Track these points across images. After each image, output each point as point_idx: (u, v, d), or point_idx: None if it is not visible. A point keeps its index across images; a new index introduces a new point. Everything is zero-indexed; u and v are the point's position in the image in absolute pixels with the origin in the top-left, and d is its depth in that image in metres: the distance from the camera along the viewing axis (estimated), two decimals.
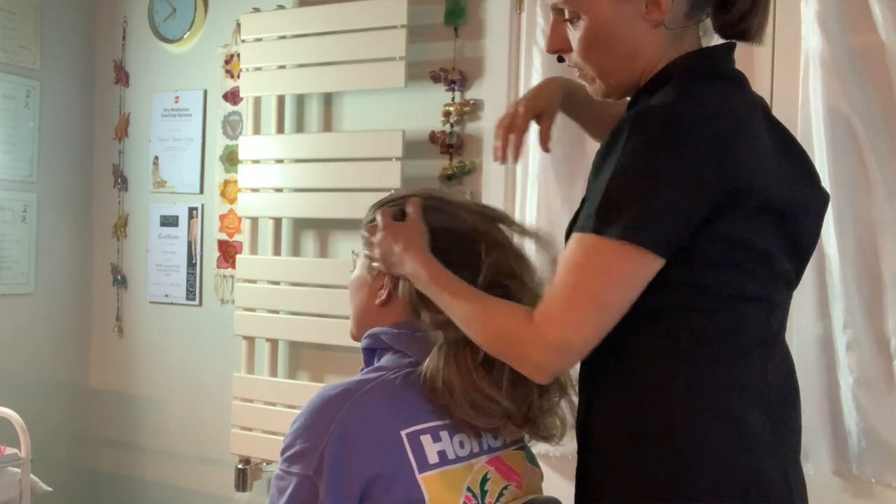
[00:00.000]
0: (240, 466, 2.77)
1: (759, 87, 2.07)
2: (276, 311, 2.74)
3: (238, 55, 2.87)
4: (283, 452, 1.07)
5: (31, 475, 2.53)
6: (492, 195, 2.43)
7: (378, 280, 1.21)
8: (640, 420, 1.06)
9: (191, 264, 3.04)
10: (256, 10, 2.80)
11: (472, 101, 2.52)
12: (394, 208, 1.22)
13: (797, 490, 1.09)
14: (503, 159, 1.34)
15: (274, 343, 2.78)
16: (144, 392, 3.14)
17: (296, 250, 2.82)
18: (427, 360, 1.10)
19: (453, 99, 2.53)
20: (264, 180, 2.77)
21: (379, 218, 1.21)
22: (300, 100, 2.82)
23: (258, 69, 2.78)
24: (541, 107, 1.36)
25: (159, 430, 3.11)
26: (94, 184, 3.26)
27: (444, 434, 1.09)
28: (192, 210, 3.04)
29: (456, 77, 2.52)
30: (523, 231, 1.25)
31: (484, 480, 1.11)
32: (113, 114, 3.22)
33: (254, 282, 2.78)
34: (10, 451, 2.51)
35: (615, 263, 0.99)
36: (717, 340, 1.05)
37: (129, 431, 3.17)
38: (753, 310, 1.07)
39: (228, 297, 2.94)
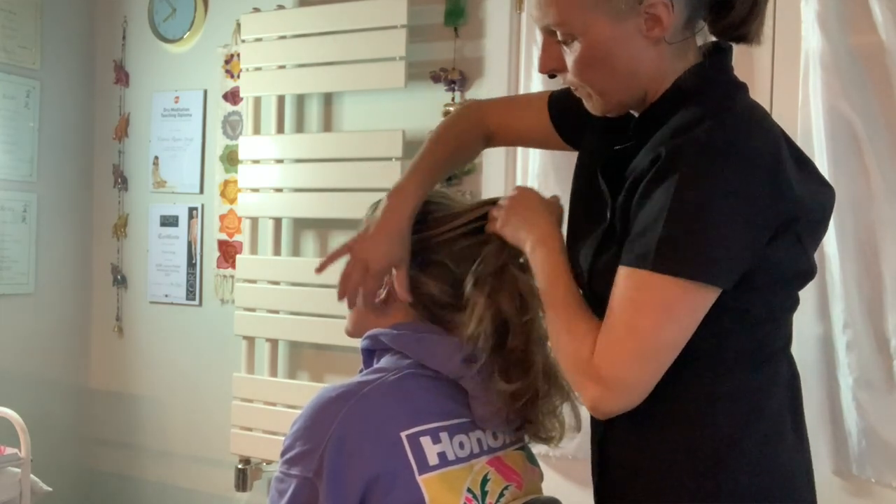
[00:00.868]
0: (240, 466, 2.77)
1: (759, 87, 2.07)
2: (276, 311, 2.74)
3: (238, 55, 2.87)
4: (282, 454, 1.07)
5: (31, 475, 2.53)
6: (491, 195, 2.42)
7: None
8: (680, 429, 1.06)
9: (191, 264, 3.04)
10: (256, 10, 2.80)
11: None
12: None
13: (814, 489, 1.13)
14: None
15: (274, 343, 2.78)
16: (144, 392, 3.14)
17: (296, 250, 2.82)
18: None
19: (453, 99, 2.53)
20: (264, 180, 2.77)
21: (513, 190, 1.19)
22: (300, 100, 2.82)
23: (258, 69, 2.78)
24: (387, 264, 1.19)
25: (159, 430, 3.11)
26: (94, 184, 3.26)
27: (443, 435, 1.09)
28: (192, 210, 3.04)
29: (456, 77, 2.52)
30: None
31: (484, 481, 1.11)
32: (113, 114, 3.22)
33: (254, 282, 2.78)
34: (10, 451, 2.51)
35: (679, 301, 0.97)
36: (756, 349, 1.06)
37: (129, 431, 3.17)
38: (784, 317, 1.10)
39: (228, 298, 2.94)
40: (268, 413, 2.71)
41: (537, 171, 2.34)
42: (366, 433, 1.04)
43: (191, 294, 3.04)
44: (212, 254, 3.00)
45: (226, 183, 2.96)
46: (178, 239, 3.07)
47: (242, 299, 2.79)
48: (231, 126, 2.96)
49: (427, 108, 2.56)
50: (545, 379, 1.13)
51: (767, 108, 1.29)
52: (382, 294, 1.20)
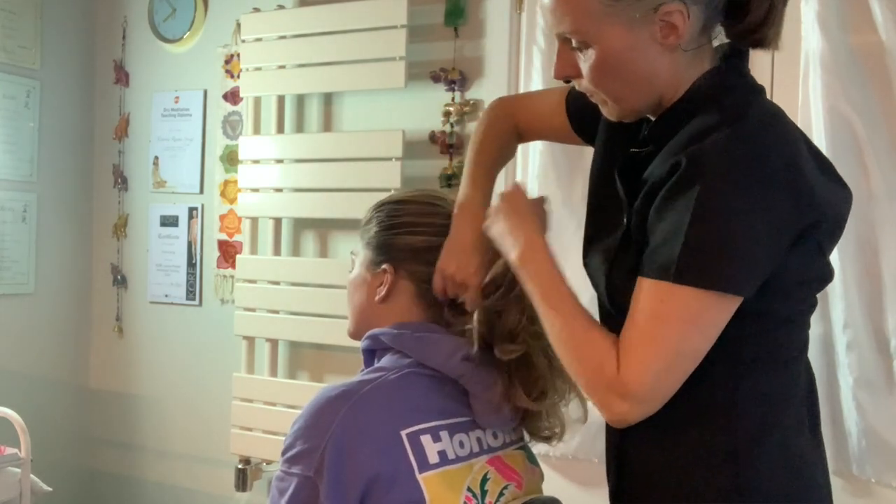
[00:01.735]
0: (240, 466, 2.77)
1: None
2: (276, 311, 2.74)
3: (238, 55, 2.87)
4: (283, 453, 1.07)
5: (31, 475, 2.53)
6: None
7: (377, 277, 1.21)
8: (700, 432, 1.06)
9: (191, 264, 3.04)
10: (256, 10, 2.80)
11: (472, 101, 2.51)
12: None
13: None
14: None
15: (274, 343, 2.78)
16: (144, 392, 3.14)
17: (296, 250, 2.82)
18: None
19: (453, 99, 2.53)
20: (264, 180, 2.77)
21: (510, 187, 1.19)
22: (300, 100, 2.82)
23: (258, 69, 2.78)
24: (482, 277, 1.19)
25: (159, 430, 3.11)
26: (94, 184, 3.26)
27: (443, 434, 1.09)
28: (192, 210, 3.04)
29: (456, 77, 2.52)
30: None
31: (484, 480, 1.11)
32: (113, 114, 3.22)
33: (254, 282, 2.78)
34: (10, 451, 2.51)
35: (702, 312, 0.98)
36: (775, 354, 1.07)
37: (129, 431, 3.17)
38: (803, 320, 1.10)
39: (228, 297, 2.94)
40: (268, 413, 2.71)
41: (537, 171, 2.34)
42: (366, 432, 1.04)
43: (191, 294, 3.04)
44: (212, 254, 3.00)
45: (226, 183, 2.96)
46: (178, 239, 3.07)
47: (242, 299, 2.79)
48: (231, 126, 2.96)
49: (427, 108, 2.56)
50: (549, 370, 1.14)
51: None
52: (382, 291, 1.20)
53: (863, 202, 1.98)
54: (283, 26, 2.73)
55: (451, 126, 2.53)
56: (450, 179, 2.52)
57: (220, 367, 2.92)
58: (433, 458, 1.06)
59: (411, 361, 1.13)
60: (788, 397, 1.08)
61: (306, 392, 2.56)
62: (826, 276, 1.08)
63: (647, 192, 1.03)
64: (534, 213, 1.16)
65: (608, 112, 1.12)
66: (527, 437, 1.23)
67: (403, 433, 1.06)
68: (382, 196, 1.29)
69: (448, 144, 2.53)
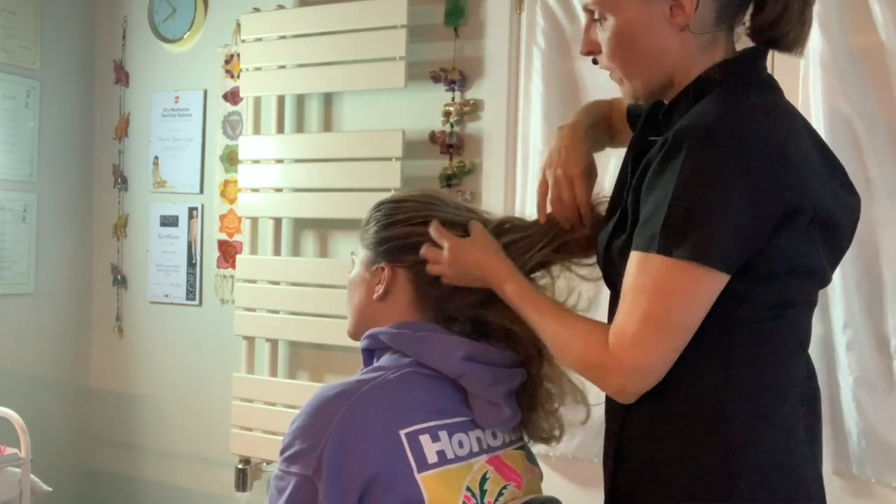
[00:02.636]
0: (240, 466, 2.77)
1: None
2: (276, 311, 2.74)
3: (238, 55, 2.87)
4: (282, 452, 1.07)
5: (31, 475, 2.53)
6: (492, 195, 2.43)
7: (376, 275, 1.21)
8: (692, 425, 1.06)
9: (191, 264, 3.04)
10: (256, 10, 2.80)
11: (472, 102, 2.51)
12: (446, 226, 1.21)
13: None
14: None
15: (274, 343, 2.78)
16: (144, 392, 3.14)
17: (296, 250, 2.82)
18: None
19: (453, 99, 2.53)
20: (264, 180, 2.77)
21: (434, 233, 1.19)
22: (300, 100, 2.82)
23: (258, 69, 2.78)
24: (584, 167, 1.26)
25: (159, 429, 3.11)
26: (94, 184, 3.26)
27: (442, 434, 1.09)
28: (192, 210, 3.04)
29: (456, 77, 2.52)
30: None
31: (483, 480, 1.11)
32: (113, 114, 3.22)
33: (254, 282, 2.78)
34: (10, 451, 2.51)
35: (685, 284, 1.00)
36: (768, 345, 1.07)
37: (129, 431, 3.17)
38: (798, 315, 1.11)
39: (228, 297, 2.94)
40: (268, 413, 2.71)
41: (537, 171, 2.33)
42: (365, 431, 1.04)
43: (191, 294, 3.04)
44: (212, 254, 3.00)
45: (226, 183, 2.96)
46: (178, 239, 3.07)
47: (242, 299, 2.79)
48: (231, 126, 2.96)
49: (427, 108, 2.56)
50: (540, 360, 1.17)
51: None
52: (381, 289, 1.20)
53: (863, 202, 1.96)
54: (283, 26, 2.73)
55: (451, 126, 2.53)
56: (450, 179, 2.52)
57: (220, 367, 2.92)
58: (432, 457, 1.06)
59: (410, 361, 1.13)
60: (783, 394, 1.08)
61: (306, 392, 2.54)
62: (818, 269, 1.08)
63: (642, 170, 1.07)
64: (489, 245, 1.19)
65: (624, 92, 1.18)
66: (526, 437, 1.23)
67: (402, 433, 1.06)
68: (382, 196, 1.29)
69: (448, 144, 2.53)
